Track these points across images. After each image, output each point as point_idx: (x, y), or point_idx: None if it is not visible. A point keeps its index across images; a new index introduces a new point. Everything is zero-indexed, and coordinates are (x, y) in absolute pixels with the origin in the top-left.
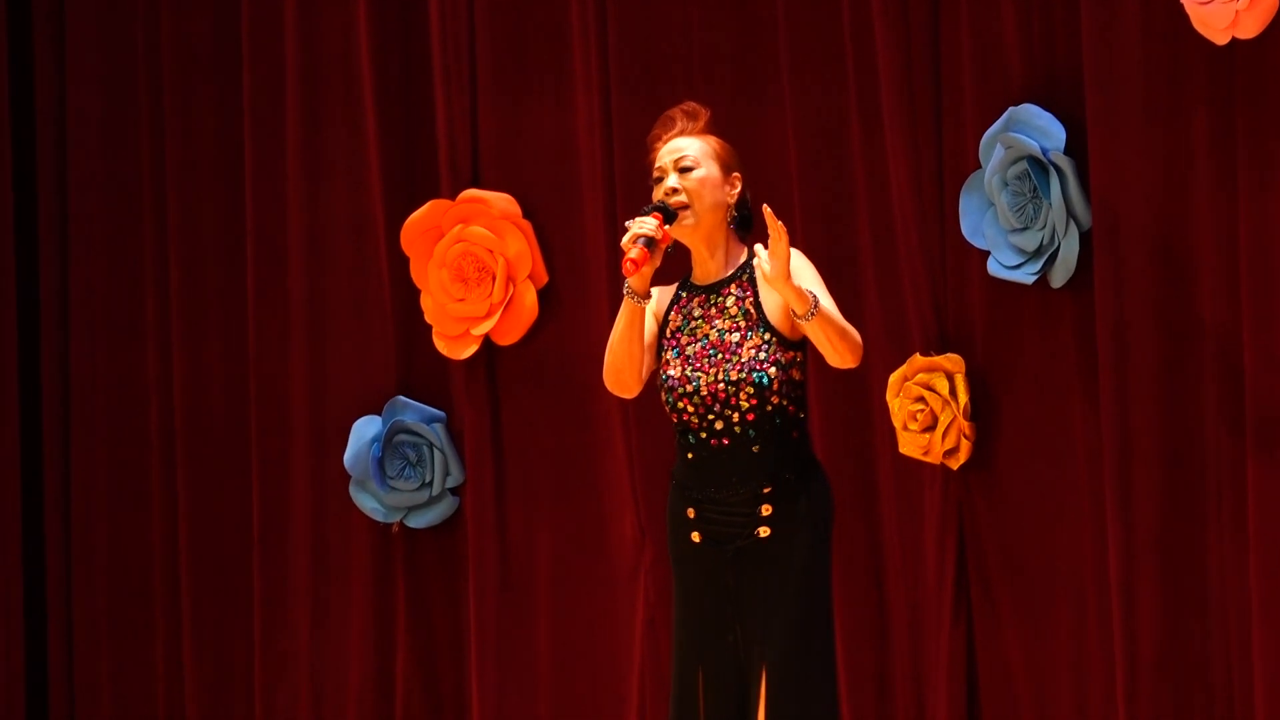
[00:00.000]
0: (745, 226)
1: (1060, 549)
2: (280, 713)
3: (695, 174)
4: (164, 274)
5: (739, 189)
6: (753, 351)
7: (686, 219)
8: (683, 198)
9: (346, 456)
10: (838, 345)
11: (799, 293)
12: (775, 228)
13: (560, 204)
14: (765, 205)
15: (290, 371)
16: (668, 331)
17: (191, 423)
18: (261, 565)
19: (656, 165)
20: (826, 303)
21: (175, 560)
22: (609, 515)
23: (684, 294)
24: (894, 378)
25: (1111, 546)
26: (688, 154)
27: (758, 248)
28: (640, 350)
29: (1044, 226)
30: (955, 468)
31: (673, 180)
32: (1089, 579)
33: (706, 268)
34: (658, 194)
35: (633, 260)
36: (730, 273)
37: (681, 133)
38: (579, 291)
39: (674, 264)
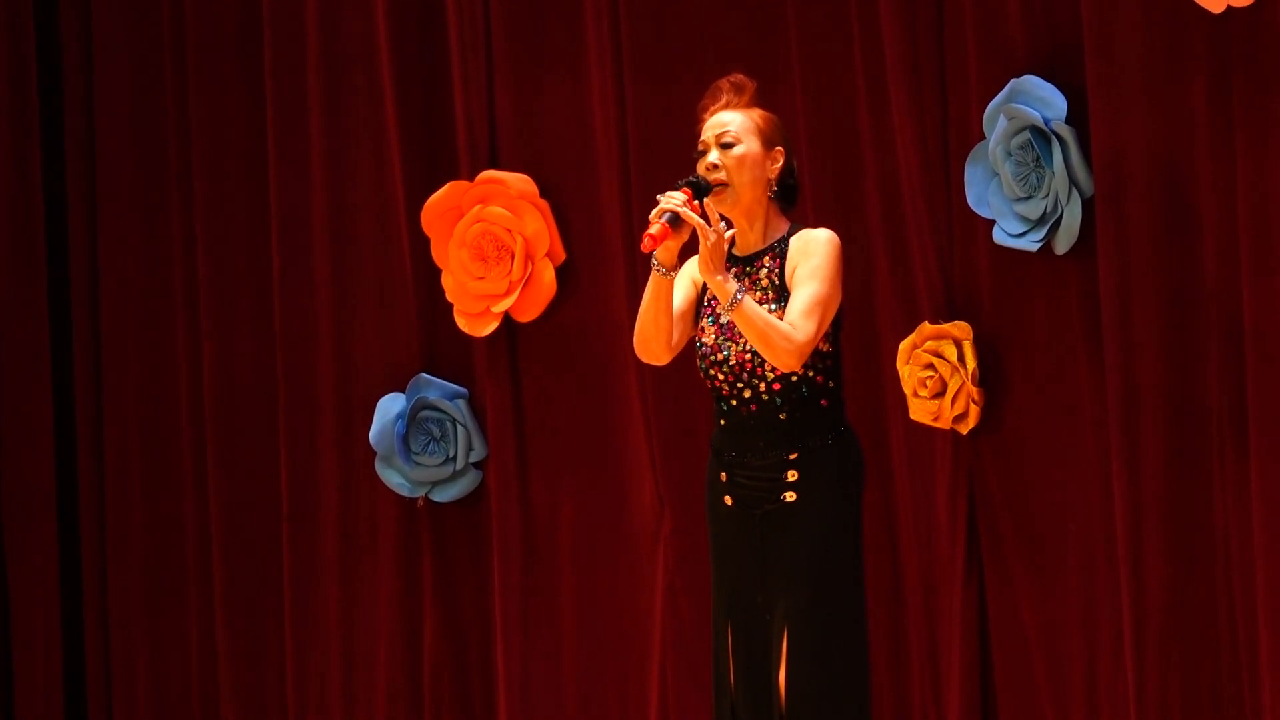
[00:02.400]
0: (788, 199)
1: (1069, 509)
2: (311, 684)
3: (735, 150)
4: (191, 256)
5: (780, 163)
6: None
7: (726, 196)
8: (722, 175)
9: (372, 433)
10: (757, 343)
11: (720, 287)
12: (699, 228)
13: (576, 183)
14: (709, 199)
15: (316, 351)
16: (705, 299)
17: (221, 402)
18: (291, 540)
19: (701, 139)
20: (798, 298)
21: (207, 537)
22: (629, 485)
23: None
24: (903, 345)
25: (1118, 505)
26: (730, 129)
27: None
28: (667, 321)
29: (1047, 195)
30: (965, 432)
31: (714, 156)
32: (1097, 537)
33: (746, 239)
34: (700, 168)
35: (651, 236)
36: (767, 245)
37: (727, 105)
38: (596, 268)
39: None
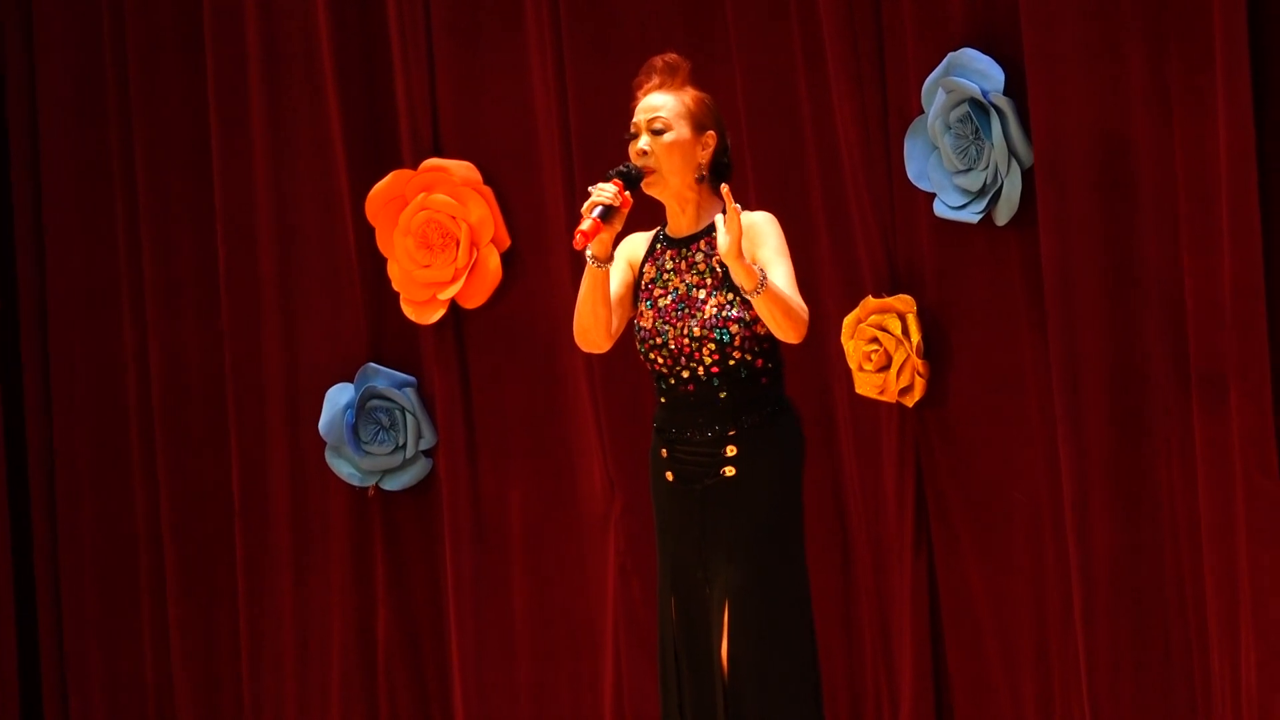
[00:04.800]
0: (722, 180)
1: (1015, 478)
2: (266, 674)
3: (665, 137)
4: (137, 252)
5: (712, 147)
6: (714, 310)
7: (654, 181)
8: (650, 160)
9: (321, 423)
10: (781, 322)
11: (747, 269)
12: (730, 207)
13: (519, 169)
14: (724, 185)
15: (263, 343)
16: (643, 283)
17: (169, 397)
18: (243, 532)
19: (633, 121)
20: (778, 276)
21: (158, 530)
22: (578, 469)
23: (659, 245)
24: (848, 320)
25: (1064, 474)
26: (660, 115)
27: (717, 219)
28: (606, 310)
29: (986, 167)
30: (910, 405)
31: (643, 143)
32: (1044, 506)
33: (679, 222)
34: (631, 152)
35: (583, 232)
36: (701, 229)
37: (659, 87)
38: (541, 253)
39: (653, 212)
